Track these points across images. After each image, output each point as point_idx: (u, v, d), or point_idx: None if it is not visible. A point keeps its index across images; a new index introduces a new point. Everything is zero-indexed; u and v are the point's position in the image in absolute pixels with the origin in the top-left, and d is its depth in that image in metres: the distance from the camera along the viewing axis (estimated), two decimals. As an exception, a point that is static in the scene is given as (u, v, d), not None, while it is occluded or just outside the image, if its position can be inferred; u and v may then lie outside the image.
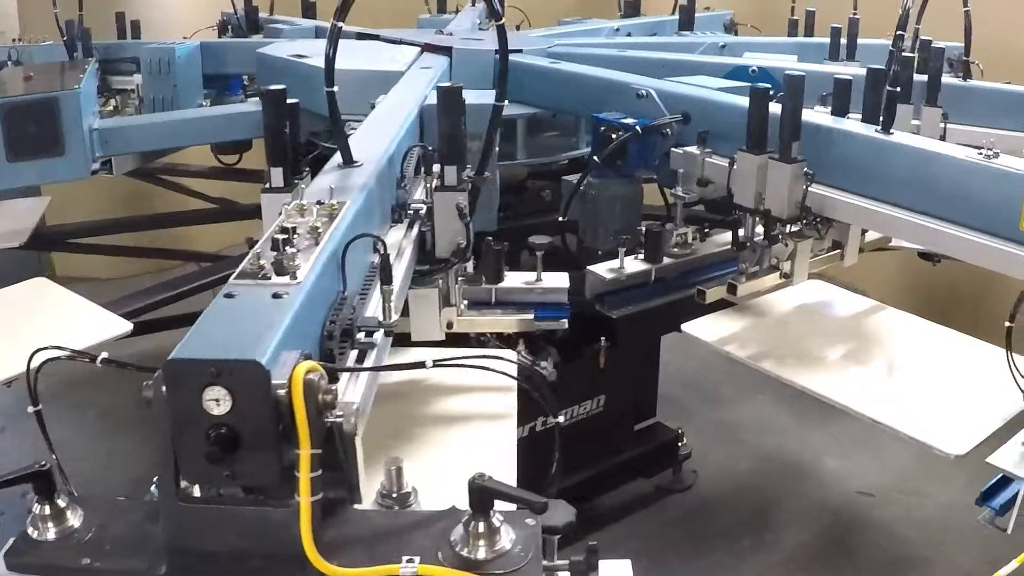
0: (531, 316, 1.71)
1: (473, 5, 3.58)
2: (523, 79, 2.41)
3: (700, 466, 3.11)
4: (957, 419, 1.60)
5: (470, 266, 1.73)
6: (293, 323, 1.00)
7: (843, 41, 2.92)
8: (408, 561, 0.92)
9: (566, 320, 1.81)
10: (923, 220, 1.71)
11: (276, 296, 1.03)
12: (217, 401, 0.90)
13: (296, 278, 1.06)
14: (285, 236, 1.13)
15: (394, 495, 1.08)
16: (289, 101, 1.55)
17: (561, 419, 1.48)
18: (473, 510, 0.96)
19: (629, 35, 3.18)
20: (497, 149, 2.00)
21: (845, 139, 1.82)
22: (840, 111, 1.95)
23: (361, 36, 2.78)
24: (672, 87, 2.09)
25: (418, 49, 2.50)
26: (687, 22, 3.29)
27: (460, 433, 1.51)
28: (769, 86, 1.82)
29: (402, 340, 1.64)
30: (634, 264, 1.95)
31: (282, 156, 1.53)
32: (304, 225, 1.20)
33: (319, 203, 1.27)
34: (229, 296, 1.05)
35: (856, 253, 2.02)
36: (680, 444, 3.01)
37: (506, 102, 1.54)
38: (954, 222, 1.68)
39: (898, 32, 1.77)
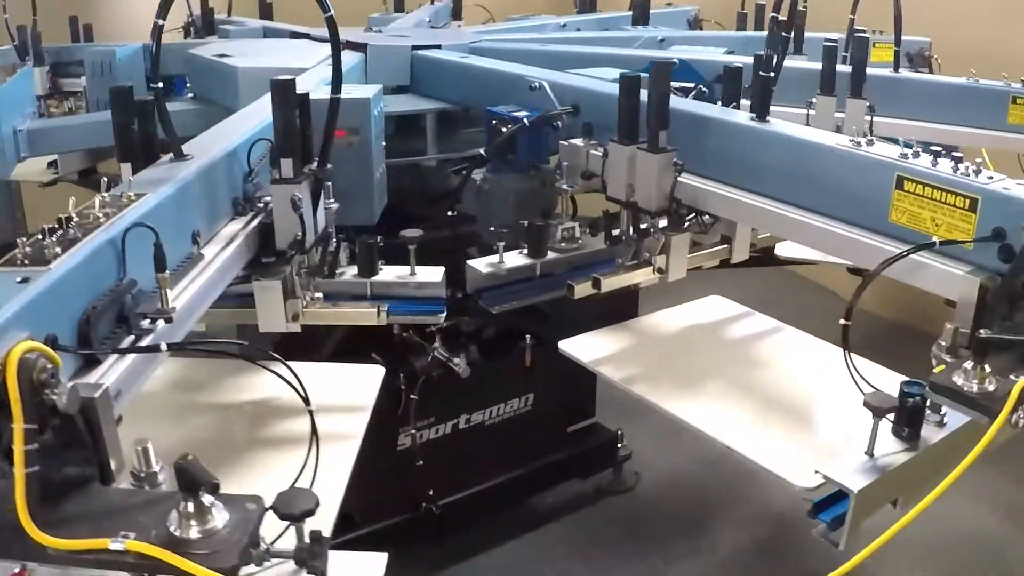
0: (381, 309, 1.68)
1: (432, 3, 3.59)
2: (438, 74, 2.42)
3: (644, 468, 3.05)
4: (821, 447, 1.53)
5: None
6: (30, 306, 1.02)
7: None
8: (123, 536, 0.93)
9: (443, 315, 1.80)
10: (791, 212, 1.64)
11: (24, 281, 1.06)
12: (-62, 376, 0.93)
13: (48, 265, 1.09)
14: (55, 225, 1.16)
15: (142, 475, 1.09)
16: (138, 98, 1.57)
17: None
18: (182, 491, 0.96)
19: (579, 31, 3.14)
20: (384, 144, 2.02)
21: (721, 128, 1.77)
22: (728, 99, 1.89)
23: (295, 35, 2.81)
24: (565, 79, 2.06)
25: (338, 46, 2.51)
26: (640, 17, 3.24)
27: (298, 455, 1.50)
28: (641, 74, 1.77)
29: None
30: (515, 259, 1.91)
31: (130, 152, 1.55)
32: (91, 215, 1.22)
33: (119, 195, 1.29)
34: (-16, 281, 1.07)
35: (746, 249, 1.94)
36: (619, 445, 2.96)
37: (342, 95, 1.53)
38: (825, 214, 1.61)
39: (772, 14, 1.72)
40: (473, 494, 2.61)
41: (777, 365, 1.83)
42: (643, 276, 1.80)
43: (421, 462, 2.42)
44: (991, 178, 1.43)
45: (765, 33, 2.98)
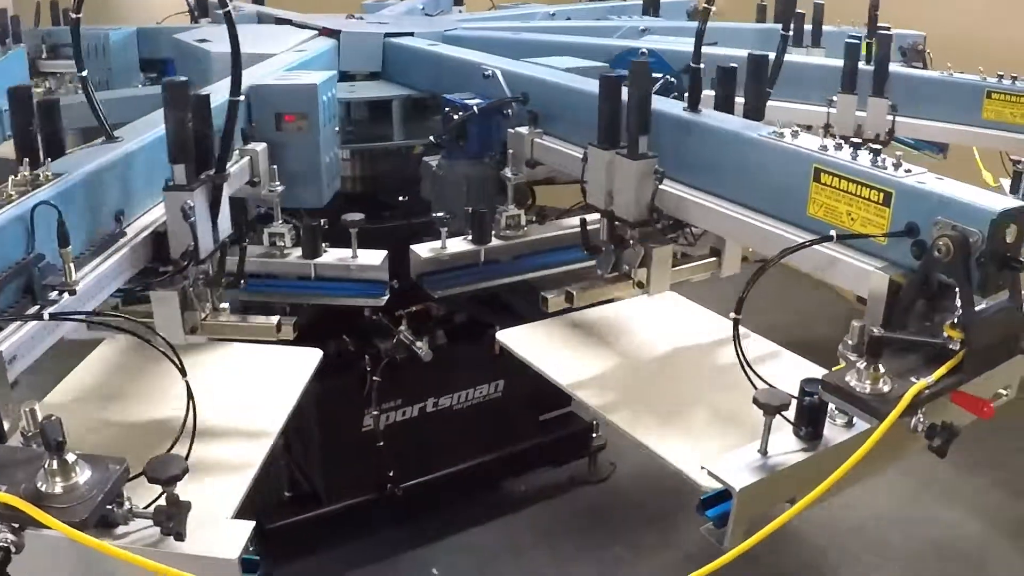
0: (284, 323, 1.66)
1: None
2: (406, 62, 2.45)
3: (621, 459, 3.05)
4: (739, 446, 1.50)
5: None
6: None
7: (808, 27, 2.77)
8: None
9: (384, 298, 1.83)
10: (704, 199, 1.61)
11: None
12: None
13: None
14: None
15: (29, 434, 1.15)
16: (41, 100, 1.55)
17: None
18: (46, 449, 1.02)
19: (568, 19, 3.12)
20: (338, 130, 2.06)
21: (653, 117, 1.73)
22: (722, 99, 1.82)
23: (279, 20, 2.87)
24: (518, 67, 2.06)
25: (315, 32, 2.56)
26: (650, 6, 3.20)
27: (222, 424, 1.52)
28: (625, 72, 1.68)
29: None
30: (458, 244, 1.93)
31: (30, 151, 1.47)
32: (4, 193, 1.29)
33: (37, 175, 1.36)
34: None
35: (738, 262, 1.87)
36: (594, 435, 2.96)
37: (242, 97, 1.50)
38: (748, 207, 1.57)
39: (704, 6, 1.69)
40: (439, 477, 2.65)
41: (715, 363, 1.78)
42: (623, 290, 1.74)
43: (381, 443, 2.47)
44: (908, 171, 1.40)
45: (775, 25, 2.96)
